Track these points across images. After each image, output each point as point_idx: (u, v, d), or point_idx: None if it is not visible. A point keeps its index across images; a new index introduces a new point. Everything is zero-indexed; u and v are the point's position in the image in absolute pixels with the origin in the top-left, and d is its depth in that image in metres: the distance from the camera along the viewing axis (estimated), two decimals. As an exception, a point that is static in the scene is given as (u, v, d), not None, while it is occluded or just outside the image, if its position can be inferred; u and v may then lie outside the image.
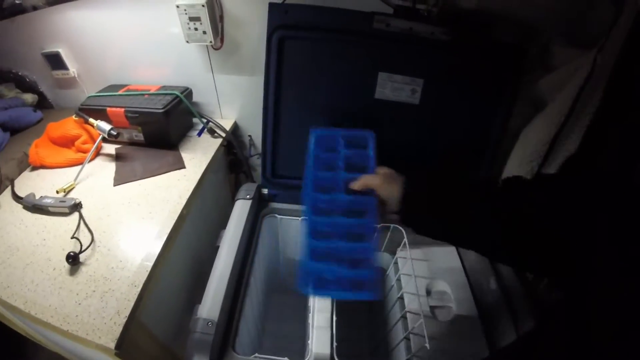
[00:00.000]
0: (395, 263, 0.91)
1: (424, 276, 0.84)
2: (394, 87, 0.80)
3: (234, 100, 1.19)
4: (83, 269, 0.73)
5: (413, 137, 0.85)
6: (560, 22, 0.72)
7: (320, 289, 0.56)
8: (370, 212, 0.59)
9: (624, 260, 0.32)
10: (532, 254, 0.50)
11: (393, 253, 0.92)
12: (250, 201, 0.87)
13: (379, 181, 0.61)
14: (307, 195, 0.62)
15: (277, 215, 0.93)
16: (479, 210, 0.53)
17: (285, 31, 0.74)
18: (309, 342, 0.67)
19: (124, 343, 0.63)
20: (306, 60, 0.78)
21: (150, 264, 0.73)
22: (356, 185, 0.62)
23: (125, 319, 0.64)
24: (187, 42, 0.99)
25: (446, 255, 0.89)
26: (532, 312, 0.70)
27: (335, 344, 0.66)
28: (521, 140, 0.83)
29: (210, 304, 0.66)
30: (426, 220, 0.57)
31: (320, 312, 0.70)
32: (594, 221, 0.38)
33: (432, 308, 0.79)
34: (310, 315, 0.71)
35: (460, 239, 0.58)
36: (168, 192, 0.91)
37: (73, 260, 0.72)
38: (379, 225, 0.61)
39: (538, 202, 0.48)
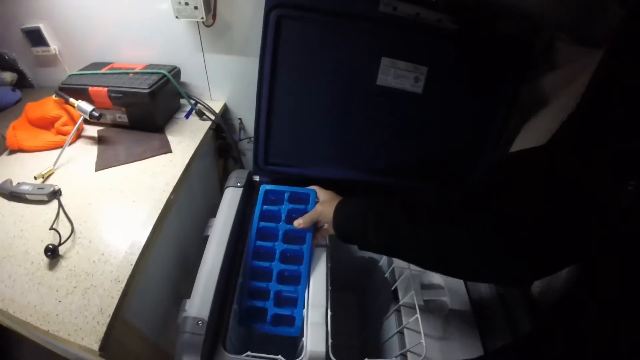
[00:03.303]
0: (389, 255, 0.89)
1: (417, 269, 0.83)
2: (397, 74, 0.75)
3: (224, 81, 1.12)
4: (63, 262, 0.68)
5: (413, 126, 0.81)
6: (565, 19, 0.69)
7: (249, 321, 0.68)
8: (304, 263, 0.72)
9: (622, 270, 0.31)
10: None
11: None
12: (241, 189, 0.83)
13: (319, 210, 0.71)
14: (249, 242, 0.74)
15: (270, 204, 0.89)
16: (426, 215, 0.55)
17: (283, 10, 0.68)
18: (304, 339, 0.64)
19: (108, 344, 0.59)
20: (305, 42, 0.72)
21: (135, 257, 0.69)
22: (302, 224, 0.71)
23: (109, 317, 0.60)
24: (177, 17, 0.91)
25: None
26: (526, 308, 0.70)
27: (330, 340, 0.64)
28: (522, 136, 0.80)
29: (200, 302, 0.62)
30: (357, 224, 0.61)
31: (315, 307, 0.68)
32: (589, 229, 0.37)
33: (425, 302, 0.77)
34: (305, 310, 0.68)
35: (400, 251, 0.60)
36: (154, 178, 0.86)
37: (52, 253, 0.67)
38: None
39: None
